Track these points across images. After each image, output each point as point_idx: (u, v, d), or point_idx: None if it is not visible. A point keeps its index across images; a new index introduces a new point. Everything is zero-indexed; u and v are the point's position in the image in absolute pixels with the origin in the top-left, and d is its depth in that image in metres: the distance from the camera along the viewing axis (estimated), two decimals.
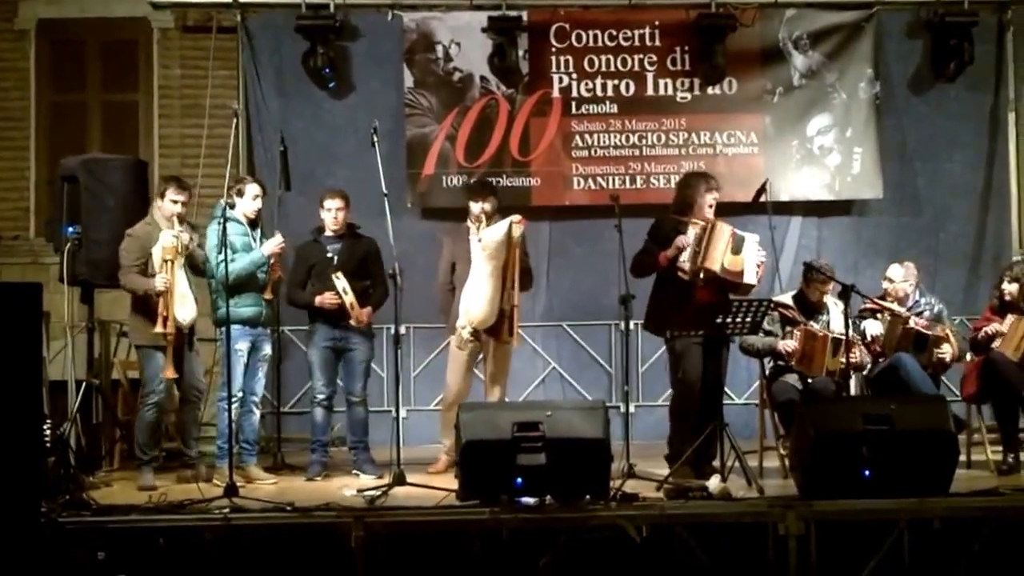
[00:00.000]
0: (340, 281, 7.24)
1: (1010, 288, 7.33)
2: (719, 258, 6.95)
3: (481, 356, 7.57)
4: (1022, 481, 6.77)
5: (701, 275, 6.92)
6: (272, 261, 7.22)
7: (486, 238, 7.17)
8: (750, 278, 7.08)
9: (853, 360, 7.08)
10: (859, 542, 5.85)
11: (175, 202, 6.98)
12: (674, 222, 7.11)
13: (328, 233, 7.48)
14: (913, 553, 5.80)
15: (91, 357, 7.67)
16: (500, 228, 7.18)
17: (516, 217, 7.22)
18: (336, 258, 7.40)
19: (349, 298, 7.24)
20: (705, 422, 6.78)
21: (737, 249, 7.04)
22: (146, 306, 6.94)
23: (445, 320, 7.70)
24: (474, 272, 7.24)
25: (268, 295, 7.25)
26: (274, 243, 7.23)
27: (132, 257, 6.96)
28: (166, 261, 6.82)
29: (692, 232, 6.99)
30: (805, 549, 5.78)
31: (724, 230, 7.02)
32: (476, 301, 7.21)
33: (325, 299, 7.29)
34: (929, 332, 7.31)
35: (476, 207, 7.41)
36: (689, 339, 6.92)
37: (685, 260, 6.97)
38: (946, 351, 7.33)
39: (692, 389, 6.99)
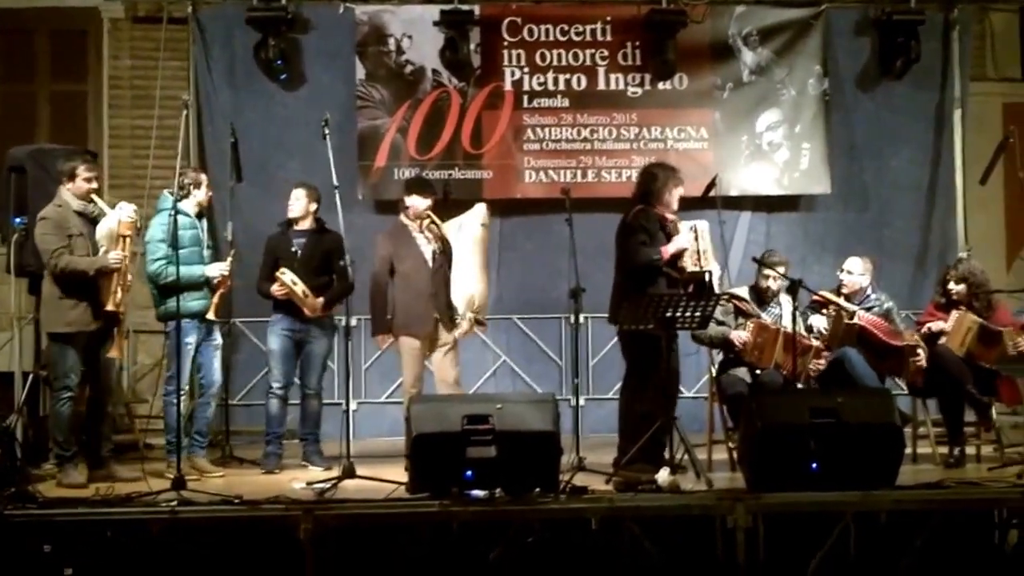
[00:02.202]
0: (287, 275, 7.21)
1: (957, 288, 7.42)
2: (712, 260, 6.99)
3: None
4: (967, 474, 6.86)
5: (706, 277, 6.94)
6: (217, 280, 7.14)
7: (479, 228, 7.35)
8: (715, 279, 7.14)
9: (812, 370, 7.14)
10: (806, 534, 5.92)
11: (89, 179, 6.77)
12: (658, 218, 7.08)
13: (297, 226, 7.46)
14: (859, 545, 5.87)
15: (38, 349, 7.59)
16: (478, 217, 7.25)
17: (483, 205, 7.27)
18: (300, 252, 7.39)
19: (300, 287, 7.20)
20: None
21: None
22: (79, 290, 6.65)
23: (379, 317, 7.51)
24: (466, 263, 7.28)
25: (211, 315, 7.13)
26: (218, 268, 7.14)
27: (57, 240, 6.65)
28: (121, 237, 6.64)
29: (686, 233, 6.99)
30: (753, 541, 5.82)
31: (705, 230, 7.03)
32: (477, 288, 7.43)
33: (272, 290, 7.27)
34: (899, 344, 7.34)
35: (424, 203, 7.39)
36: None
37: (687, 261, 6.94)
38: (921, 356, 7.38)
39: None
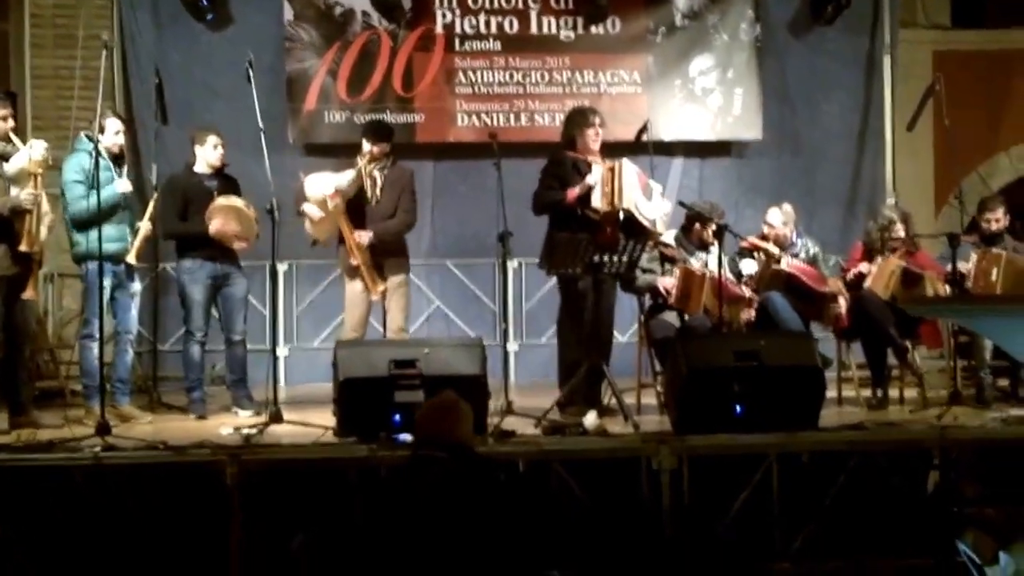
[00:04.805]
0: (233, 198, 7.15)
1: (881, 234, 7.50)
2: (633, 198, 6.96)
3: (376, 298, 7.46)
4: (889, 416, 6.97)
5: (621, 215, 6.92)
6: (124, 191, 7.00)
7: (309, 185, 7.13)
8: (659, 226, 7.12)
9: (749, 319, 7.20)
10: (731, 475, 5.98)
11: (4, 117, 6.60)
12: (573, 159, 7.09)
13: (205, 170, 7.35)
14: (782, 485, 5.94)
15: None
16: (320, 188, 7.10)
17: (331, 191, 7.09)
18: (216, 193, 7.29)
19: (252, 210, 7.15)
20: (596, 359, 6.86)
21: (648, 195, 7.08)
22: None
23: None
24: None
25: (132, 259, 7.03)
26: (123, 185, 6.99)
27: None
28: (32, 175, 6.50)
29: (598, 171, 6.98)
30: (678, 482, 5.87)
31: (629, 169, 7.01)
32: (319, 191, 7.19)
33: (214, 224, 7.10)
34: (820, 289, 7.41)
35: (366, 147, 7.30)
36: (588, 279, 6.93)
37: (597, 199, 6.95)
38: (841, 304, 7.47)
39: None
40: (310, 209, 7.12)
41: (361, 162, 7.25)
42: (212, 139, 7.33)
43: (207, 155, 7.32)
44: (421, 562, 4.23)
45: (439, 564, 4.22)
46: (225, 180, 7.40)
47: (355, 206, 7.25)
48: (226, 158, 7.36)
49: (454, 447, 4.35)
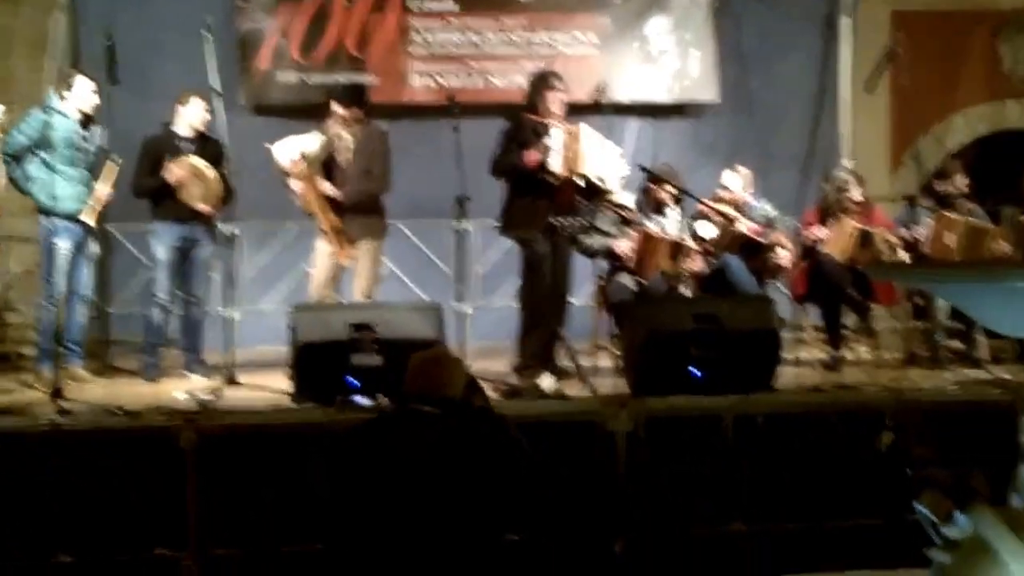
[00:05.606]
0: (195, 159, 7.07)
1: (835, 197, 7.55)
2: (592, 163, 6.93)
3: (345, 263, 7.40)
4: (844, 378, 7.03)
5: (578, 180, 6.88)
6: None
7: (277, 153, 7.06)
8: (615, 186, 7.10)
9: (693, 269, 7.21)
10: (687, 437, 6.01)
11: None
12: (533, 123, 7.04)
13: (185, 132, 7.25)
14: (738, 447, 5.97)
15: None
16: (287, 155, 7.04)
17: (297, 157, 7.03)
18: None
19: (213, 172, 7.08)
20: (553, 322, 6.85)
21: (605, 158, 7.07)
22: None
23: None
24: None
25: (86, 217, 6.96)
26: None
27: None
28: None
29: (557, 135, 6.93)
30: (634, 445, 5.89)
31: (589, 134, 6.98)
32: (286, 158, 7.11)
33: (172, 171, 7.03)
34: (762, 240, 7.48)
35: (337, 109, 7.22)
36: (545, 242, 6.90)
37: (556, 163, 6.91)
38: (782, 255, 7.53)
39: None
40: (294, 185, 7.05)
41: (331, 124, 7.16)
42: (198, 100, 7.23)
43: (191, 117, 7.23)
44: (393, 520, 4.14)
45: (416, 521, 4.13)
46: (204, 143, 7.29)
47: (327, 170, 7.17)
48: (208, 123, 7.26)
49: (444, 402, 4.24)
